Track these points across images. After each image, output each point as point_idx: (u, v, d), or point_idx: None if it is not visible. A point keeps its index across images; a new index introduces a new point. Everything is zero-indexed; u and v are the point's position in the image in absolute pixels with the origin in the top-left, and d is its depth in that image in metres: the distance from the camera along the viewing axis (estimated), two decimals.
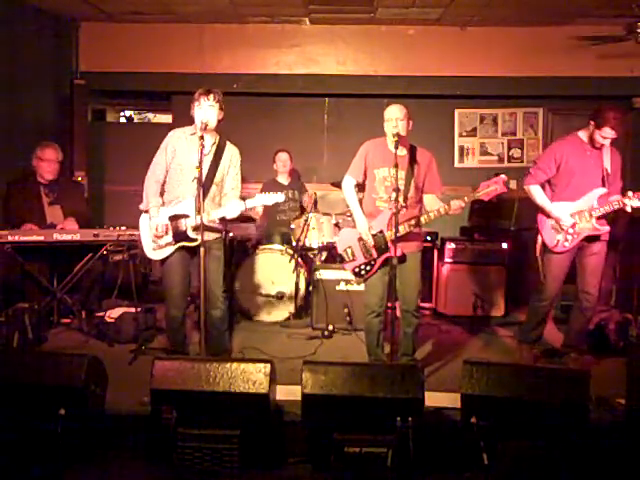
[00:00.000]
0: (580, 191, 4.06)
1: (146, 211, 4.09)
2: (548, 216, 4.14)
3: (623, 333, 4.50)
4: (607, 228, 4.08)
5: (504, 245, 5.83)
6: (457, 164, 7.17)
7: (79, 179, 6.44)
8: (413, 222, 3.86)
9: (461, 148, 7.19)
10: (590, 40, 6.06)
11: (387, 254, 3.92)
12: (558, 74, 6.61)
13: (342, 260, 4.16)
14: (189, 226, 3.92)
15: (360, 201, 4.09)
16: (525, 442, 2.91)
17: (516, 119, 7.10)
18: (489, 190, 3.70)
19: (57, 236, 4.71)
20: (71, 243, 4.74)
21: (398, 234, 3.65)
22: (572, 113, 7.09)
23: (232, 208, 3.92)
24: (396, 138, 3.70)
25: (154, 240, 4.04)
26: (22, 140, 5.66)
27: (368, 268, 4.01)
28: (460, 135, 7.19)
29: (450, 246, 5.88)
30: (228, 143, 4.12)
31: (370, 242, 3.96)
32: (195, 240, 3.90)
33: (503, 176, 3.71)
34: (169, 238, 4.01)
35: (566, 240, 4.07)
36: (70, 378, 3.01)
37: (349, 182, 4.06)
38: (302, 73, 6.84)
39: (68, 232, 4.77)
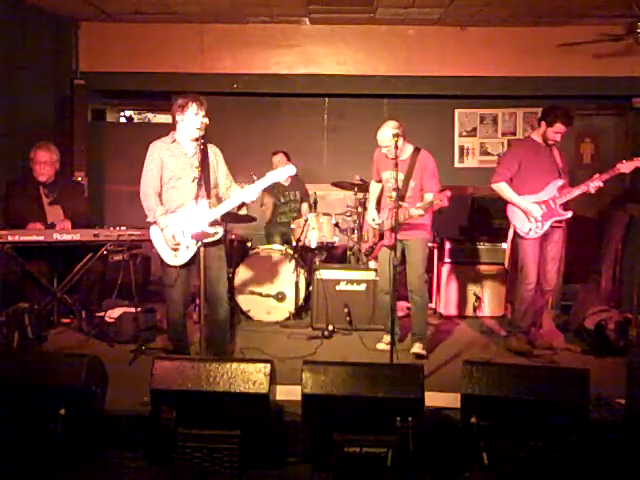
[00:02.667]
0: (541, 184, 4.51)
1: (154, 222, 4.05)
2: (517, 207, 4.55)
3: (623, 333, 4.51)
4: (570, 213, 4.50)
5: (504, 245, 5.82)
6: (457, 164, 7.17)
7: (79, 179, 6.44)
8: (401, 218, 4.20)
9: (461, 148, 7.19)
10: (590, 40, 6.06)
11: (382, 242, 4.57)
12: (558, 74, 6.61)
13: (362, 240, 5.05)
14: (205, 223, 3.89)
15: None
16: (525, 442, 2.91)
17: (516, 119, 7.11)
18: (435, 202, 4.05)
19: (57, 236, 4.71)
20: (71, 243, 4.75)
21: (390, 225, 4.32)
22: None
23: (250, 193, 3.87)
24: (396, 138, 4.01)
25: (173, 248, 4.02)
26: (22, 140, 5.65)
27: (371, 250, 4.76)
28: (460, 135, 7.19)
29: (450, 246, 5.88)
30: (209, 144, 4.10)
31: (373, 229, 4.66)
32: (214, 234, 3.95)
33: (447, 192, 4.03)
34: (187, 241, 4.00)
35: (537, 227, 4.49)
36: (70, 378, 3.01)
37: (372, 183, 4.83)
38: (302, 73, 6.84)
39: (68, 232, 4.77)
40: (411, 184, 4.43)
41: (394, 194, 4.03)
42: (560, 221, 4.51)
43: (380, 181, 4.68)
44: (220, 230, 4.04)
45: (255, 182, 3.91)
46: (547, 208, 4.47)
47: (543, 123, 4.49)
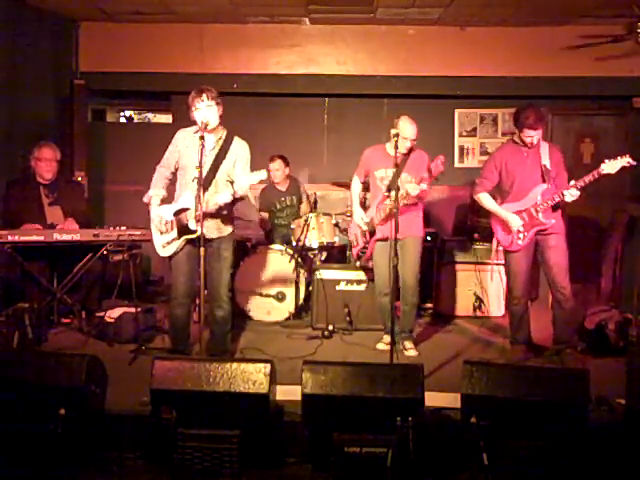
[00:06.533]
0: (523, 191, 4.29)
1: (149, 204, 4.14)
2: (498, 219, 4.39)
3: (623, 333, 4.50)
4: (553, 221, 4.23)
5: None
6: (457, 164, 7.16)
7: (79, 179, 6.45)
8: (394, 205, 4.08)
9: (461, 148, 7.19)
10: (590, 40, 6.06)
11: (375, 237, 4.61)
12: (558, 74, 6.61)
13: (351, 245, 4.99)
14: (190, 217, 3.92)
15: (364, 197, 4.93)
16: (525, 442, 2.91)
17: None
18: (433, 169, 4.11)
19: (57, 236, 4.71)
20: (71, 243, 4.75)
21: (380, 217, 4.47)
22: (572, 113, 7.10)
23: (222, 195, 3.87)
24: (396, 138, 4.03)
25: (160, 233, 4.07)
26: (22, 140, 5.65)
27: (364, 251, 4.76)
28: (460, 135, 7.19)
29: (450, 246, 5.88)
30: (236, 138, 4.09)
31: (364, 228, 4.67)
32: (195, 231, 3.89)
33: (441, 157, 4.09)
34: (174, 234, 4.03)
35: (519, 238, 4.29)
36: (70, 378, 3.01)
37: (354, 179, 4.80)
38: (302, 73, 6.83)
39: (68, 232, 4.77)
40: (407, 177, 4.40)
41: (393, 193, 4.02)
42: (546, 228, 4.24)
43: (364, 181, 4.74)
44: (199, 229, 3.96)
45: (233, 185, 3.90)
46: (529, 217, 4.24)
47: (515, 128, 4.30)
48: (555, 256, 4.28)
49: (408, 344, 4.60)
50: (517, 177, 4.30)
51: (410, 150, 4.45)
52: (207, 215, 3.87)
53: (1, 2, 5.61)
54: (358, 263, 5.20)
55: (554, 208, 4.25)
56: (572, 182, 4.13)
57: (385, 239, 4.39)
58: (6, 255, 4.65)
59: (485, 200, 4.42)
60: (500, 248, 4.54)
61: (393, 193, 4.03)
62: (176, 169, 4.12)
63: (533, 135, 4.19)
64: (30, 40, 6.03)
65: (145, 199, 4.15)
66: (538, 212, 4.22)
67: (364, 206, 4.91)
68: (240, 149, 4.07)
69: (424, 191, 4.27)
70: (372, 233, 4.61)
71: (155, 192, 4.11)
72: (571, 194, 4.11)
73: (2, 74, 5.65)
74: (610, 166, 4.02)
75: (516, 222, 4.26)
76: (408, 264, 4.45)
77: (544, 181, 4.25)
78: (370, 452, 2.90)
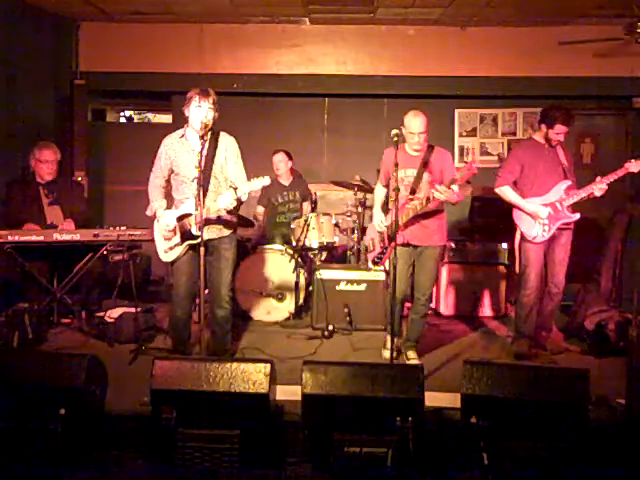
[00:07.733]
0: (547, 186, 4.42)
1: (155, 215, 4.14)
2: (523, 211, 4.46)
3: (623, 333, 4.50)
4: (577, 215, 4.40)
5: (504, 245, 5.83)
6: (457, 164, 7.14)
7: (79, 179, 6.45)
8: (418, 208, 4.15)
9: (461, 148, 7.18)
10: (590, 40, 6.06)
11: (394, 242, 4.28)
12: (558, 74, 6.61)
13: (367, 250, 4.76)
14: (192, 224, 3.93)
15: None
16: (525, 442, 2.91)
17: (516, 119, 7.10)
18: (464, 174, 3.93)
19: (57, 236, 4.71)
20: (71, 243, 4.75)
21: (402, 221, 4.15)
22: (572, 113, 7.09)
23: (224, 199, 3.84)
24: (396, 138, 3.87)
25: (165, 240, 4.08)
26: (22, 140, 5.65)
27: (381, 256, 4.53)
28: (460, 135, 7.19)
29: (450, 246, 5.88)
30: (222, 134, 4.10)
31: (381, 230, 4.45)
32: (198, 237, 3.89)
33: (473, 162, 3.96)
34: (177, 239, 4.03)
35: (544, 230, 4.39)
36: (70, 378, 3.02)
37: (378, 186, 4.60)
38: (302, 73, 6.83)
39: (68, 232, 4.77)
40: (428, 178, 4.24)
41: (407, 192, 4.04)
42: (568, 223, 4.40)
43: (387, 185, 4.49)
44: (217, 232, 4.02)
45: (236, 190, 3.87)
46: (554, 210, 4.36)
47: (543, 125, 4.41)
48: (562, 253, 4.47)
49: (411, 354, 4.41)
50: (539, 172, 4.41)
51: (431, 149, 4.31)
52: (210, 221, 3.90)
53: (1, 2, 5.60)
54: (374, 267, 4.94)
55: (574, 204, 4.40)
56: (598, 178, 4.31)
57: (406, 244, 4.25)
58: (6, 255, 4.65)
59: (509, 193, 4.46)
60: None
61: (406, 192, 4.02)
62: (170, 175, 4.12)
63: (564, 131, 4.33)
64: (30, 40, 6.02)
65: (149, 212, 4.16)
66: (563, 206, 4.37)
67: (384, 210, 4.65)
68: (229, 143, 4.09)
69: (457, 194, 4.03)
70: (390, 238, 4.35)
71: (158, 204, 4.12)
72: (600, 188, 4.29)
73: (2, 74, 5.65)
74: (636, 165, 4.25)
75: (544, 213, 4.35)
76: (424, 274, 4.32)
77: (566, 177, 4.40)
78: (370, 452, 2.90)
